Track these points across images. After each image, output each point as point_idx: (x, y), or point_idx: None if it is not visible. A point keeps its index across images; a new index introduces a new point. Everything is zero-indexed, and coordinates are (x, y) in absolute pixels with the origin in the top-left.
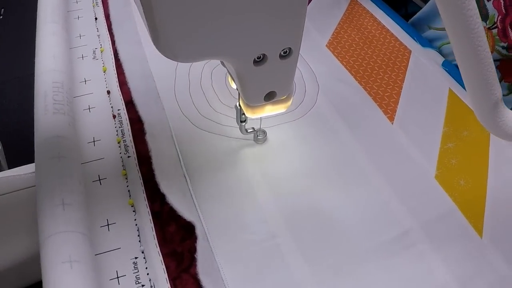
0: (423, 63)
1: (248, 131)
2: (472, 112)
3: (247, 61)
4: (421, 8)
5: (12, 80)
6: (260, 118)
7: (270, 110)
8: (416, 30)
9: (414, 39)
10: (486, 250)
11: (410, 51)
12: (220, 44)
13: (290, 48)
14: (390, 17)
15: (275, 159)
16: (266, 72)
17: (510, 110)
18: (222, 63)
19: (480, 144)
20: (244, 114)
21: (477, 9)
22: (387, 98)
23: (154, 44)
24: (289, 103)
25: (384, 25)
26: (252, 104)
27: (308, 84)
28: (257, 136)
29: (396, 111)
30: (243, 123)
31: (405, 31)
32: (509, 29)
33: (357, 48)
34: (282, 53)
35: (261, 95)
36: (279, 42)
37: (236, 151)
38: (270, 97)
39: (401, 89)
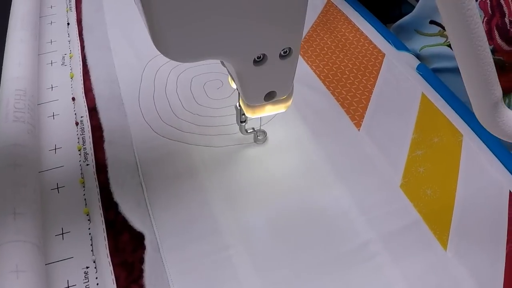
0: (396, 66)
1: (248, 131)
2: (444, 117)
3: (247, 61)
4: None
5: None
6: (260, 119)
7: (270, 110)
8: (402, 34)
9: (389, 42)
10: (450, 264)
11: (384, 54)
12: (220, 44)
13: (290, 48)
14: (366, 20)
15: (232, 168)
16: (266, 72)
17: (510, 110)
18: (222, 63)
19: (451, 151)
20: (244, 114)
21: (477, 9)
22: (355, 104)
23: (154, 44)
24: (289, 103)
25: (359, 28)
26: (252, 104)
27: None
28: (257, 136)
29: (363, 117)
30: (243, 124)
31: (380, 34)
32: (495, 31)
33: (329, 52)
34: (282, 53)
35: (261, 95)
36: (279, 42)
37: (194, 159)
38: (270, 97)
39: (371, 94)
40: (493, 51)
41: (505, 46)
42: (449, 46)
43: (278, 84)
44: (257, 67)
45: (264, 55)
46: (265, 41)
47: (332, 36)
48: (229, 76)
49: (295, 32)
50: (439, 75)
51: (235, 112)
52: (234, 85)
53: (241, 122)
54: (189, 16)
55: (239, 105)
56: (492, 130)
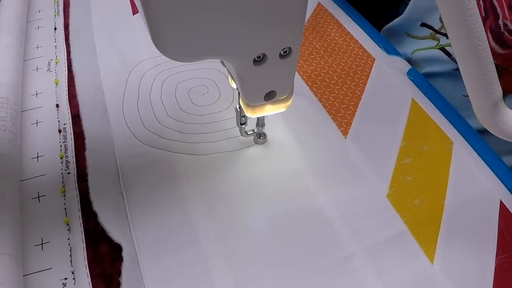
0: (386, 71)
1: (248, 133)
2: (434, 124)
3: (247, 61)
4: None
5: None
6: (258, 122)
7: (270, 109)
8: (393, 37)
9: (380, 46)
10: (436, 277)
11: (374, 59)
12: (220, 44)
13: (290, 47)
14: (357, 23)
15: (213, 177)
16: (266, 71)
17: (510, 110)
18: (222, 63)
19: (441, 159)
20: (244, 116)
21: (477, 9)
22: (343, 111)
23: (154, 45)
24: (289, 102)
25: (349, 32)
26: (252, 103)
27: None
28: (258, 138)
29: (351, 124)
30: (243, 125)
31: (371, 38)
32: (488, 34)
33: (317, 56)
34: (282, 52)
35: (261, 94)
36: (279, 42)
37: (176, 167)
38: (270, 96)
39: (359, 101)
40: None
41: (498, 49)
42: (441, 49)
43: (278, 83)
44: (257, 67)
45: (264, 54)
46: (265, 41)
47: (321, 40)
48: (229, 76)
49: (295, 31)
50: (431, 80)
51: (218, 119)
52: (234, 85)
53: (241, 124)
54: (189, 15)
55: (239, 107)
56: (492, 129)
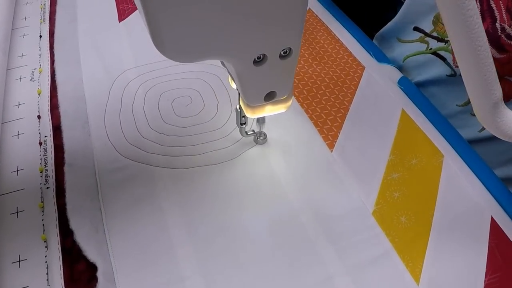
0: (376, 80)
1: (248, 133)
2: (424, 136)
3: (247, 61)
4: None
5: None
6: (260, 123)
7: (271, 110)
8: (385, 42)
9: (370, 54)
10: None
11: (364, 67)
12: (220, 44)
13: (290, 48)
14: (347, 29)
15: (195, 191)
16: (266, 72)
17: (510, 110)
18: (222, 63)
19: (430, 174)
20: (244, 116)
21: (477, 9)
22: (329, 123)
23: (154, 45)
24: (289, 103)
25: (339, 39)
26: (252, 104)
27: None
28: (258, 138)
29: (337, 137)
30: (243, 126)
31: (362, 45)
32: None
33: (305, 65)
34: (282, 53)
35: (261, 95)
36: (279, 42)
37: (156, 182)
38: (270, 97)
39: (347, 112)
40: None
41: (495, 54)
42: (434, 53)
43: (278, 84)
44: (257, 67)
45: (264, 55)
46: (265, 41)
47: (310, 48)
48: (229, 76)
49: (295, 32)
50: (424, 88)
51: (201, 131)
52: (234, 85)
53: (241, 124)
54: (189, 15)
55: (239, 107)
56: (492, 130)
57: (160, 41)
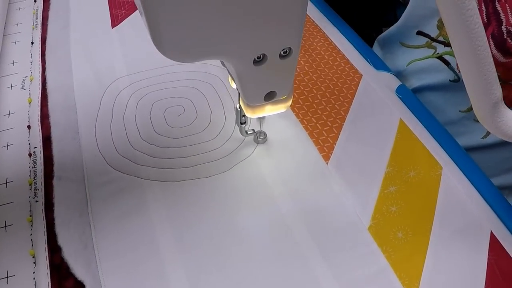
0: (373, 89)
1: (248, 132)
2: (423, 147)
3: (247, 61)
4: None
5: None
6: (260, 121)
7: (270, 110)
8: (387, 47)
9: (368, 61)
10: None
11: (361, 75)
12: (220, 44)
13: (290, 48)
14: (345, 36)
15: (185, 205)
16: (266, 72)
17: (510, 110)
18: (222, 63)
19: (428, 187)
20: (244, 116)
21: (477, 9)
22: (325, 134)
23: (154, 45)
24: (289, 103)
25: (336, 46)
26: (252, 104)
27: (233, 117)
28: (258, 137)
29: (333, 149)
30: (243, 125)
31: (359, 52)
32: (491, 40)
33: (301, 73)
34: (282, 53)
35: (261, 95)
36: (279, 42)
37: (146, 195)
38: (270, 97)
39: (344, 122)
40: None
41: (500, 58)
42: (439, 58)
43: (278, 84)
44: (257, 67)
45: (264, 55)
46: (265, 41)
47: (306, 55)
48: (229, 76)
49: (295, 31)
50: (426, 94)
51: (193, 142)
52: (234, 85)
53: (241, 123)
54: (188, 15)
55: (239, 106)
56: (492, 130)
57: (159, 40)
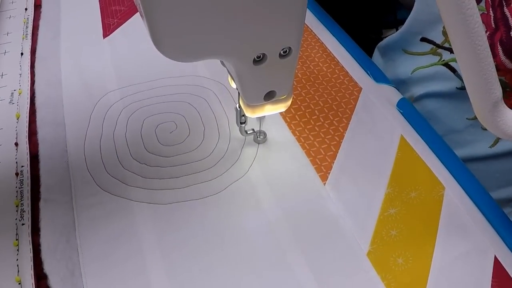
0: (373, 103)
1: (248, 132)
2: (425, 166)
3: (247, 61)
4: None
5: None
6: (260, 120)
7: (270, 109)
8: (389, 55)
9: (368, 73)
10: None
11: (361, 88)
12: (219, 44)
13: (290, 47)
14: (344, 47)
15: (176, 228)
16: (266, 71)
17: (511, 110)
18: (222, 63)
19: (430, 208)
20: (243, 115)
21: (477, 9)
22: (323, 152)
23: (154, 45)
24: (289, 102)
25: (335, 57)
26: (252, 103)
27: (227, 134)
28: (257, 137)
29: (331, 168)
30: (243, 125)
31: (359, 63)
32: (499, 46)
33: (298, 87)
34: (282, 52)
35: (261, 94)
36: (279, 42)
37: (136, 218)
38: (270, 96)
39: (342, 139)
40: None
41: (509, 64)
42: (445, 65)
43: (278, 83)
44: (257, 67)
45: (264, 54)
46: (265, 40)
47: (303, 67)
48: (229, 76)
49: (295, 31)
50: (432, 102)
51: (185, 162)
52: (234, 85)
53: (241, 123)
54: (188, 15)
55: (239, 106)
56: (492, 130)
57: (159, 40)
